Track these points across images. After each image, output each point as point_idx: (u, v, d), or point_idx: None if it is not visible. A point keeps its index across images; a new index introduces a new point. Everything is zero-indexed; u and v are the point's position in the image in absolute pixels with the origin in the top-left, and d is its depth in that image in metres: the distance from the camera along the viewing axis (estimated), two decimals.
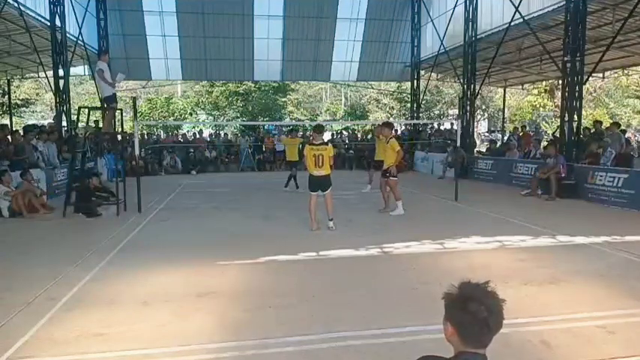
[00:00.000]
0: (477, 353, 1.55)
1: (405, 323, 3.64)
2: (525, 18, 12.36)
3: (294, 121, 31.12)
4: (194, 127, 24.98)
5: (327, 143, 7.62)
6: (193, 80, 27.85)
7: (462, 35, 15.38)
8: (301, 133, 19.94)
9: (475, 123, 19.29)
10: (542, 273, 4.99)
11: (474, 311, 1.50)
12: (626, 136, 12.63)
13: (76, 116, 11.57)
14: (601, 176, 9.74)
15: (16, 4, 11.77)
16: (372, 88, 28.22)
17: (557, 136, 12.26)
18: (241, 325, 3.70)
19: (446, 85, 29.19)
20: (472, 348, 1.54)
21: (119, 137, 11.42)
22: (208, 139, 21.26)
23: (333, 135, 22.77)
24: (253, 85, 29.61)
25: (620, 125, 12.48)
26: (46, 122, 17.19)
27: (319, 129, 7.67)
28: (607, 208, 9.14)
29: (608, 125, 12.78)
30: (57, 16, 13.89)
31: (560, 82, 12.18)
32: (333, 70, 20.97)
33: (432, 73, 19.36)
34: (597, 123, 13.75)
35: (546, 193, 10.35)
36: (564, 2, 10.97)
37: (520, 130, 18.19)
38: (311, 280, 4.82)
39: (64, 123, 14.67)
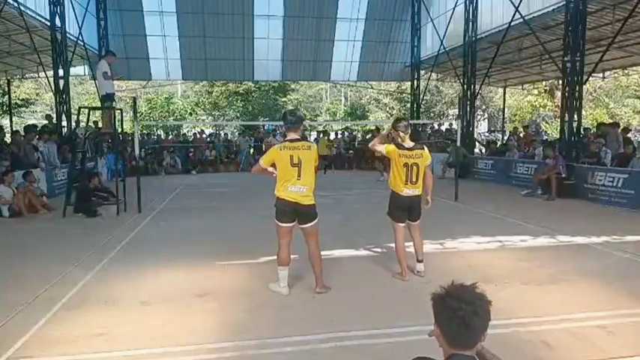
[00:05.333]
0: (464, 355, 1.54)
1: (405, 323, 3.64)
2: (525, 18, 12.36)
3: None
4: (194, 127, 25.02)
5: (423, 147, 4.91)
6: (193, 80, 27.85)
7: (462, 35, 15.37)
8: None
9: (475, 123, 19.27)
10: (542, 273, 4.99)
11: (452, 308, 1.50)
12: (628, 135, 12.50)
13: (76, 116, 11.58)
14: (601, 176, 9.74)
15: (16, 4, 11.76)
16: (372, 88, 28.18)
17: (548, 140, 12.26)
18: (241, 325, 3.70)
19: (446, 85, 29.18)
20: (458, 349, 1.54)
21: (119, 137, 11.42)
22: (208, 139, 21.26)
23: (336, 134, 22.90)
24: (253, 85, 29.58)
25: (618, 125, 12.44)
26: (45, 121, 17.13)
27: (404, 124, 4.80)
28: (607, 208, 9.14)
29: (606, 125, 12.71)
30: (57, 16, 13.87)
31: (560, 82, 12.18)
32: (333, 70, 20.98)
33: (432, 73, 19.34)
34: (603, 125, 13.57)
35: (546, 193, 10.36)
36: (564, 2, 10.97)
37: (522, 130, 18.13)
38: (311, 280, 4.81)
39: (64, 123, 14.67)
